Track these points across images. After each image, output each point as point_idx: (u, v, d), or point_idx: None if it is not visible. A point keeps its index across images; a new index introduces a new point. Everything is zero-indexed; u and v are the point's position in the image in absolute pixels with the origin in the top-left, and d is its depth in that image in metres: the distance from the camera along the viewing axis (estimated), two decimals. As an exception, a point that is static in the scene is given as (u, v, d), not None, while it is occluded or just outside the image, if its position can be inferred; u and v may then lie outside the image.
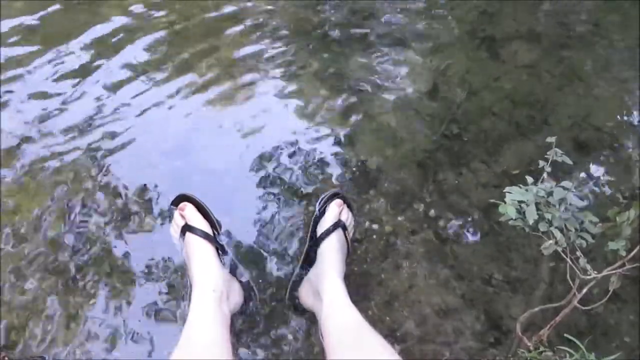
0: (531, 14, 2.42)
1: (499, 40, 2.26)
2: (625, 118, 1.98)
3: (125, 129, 1.85)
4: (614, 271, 1.08)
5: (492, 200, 1.15)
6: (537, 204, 1.07)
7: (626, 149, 1.86)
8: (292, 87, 2.02)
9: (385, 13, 2.37)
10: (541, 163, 1.13)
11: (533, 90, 2.06)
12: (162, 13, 2.30)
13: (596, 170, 1.78)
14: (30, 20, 2.24)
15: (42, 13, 2.26)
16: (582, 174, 1.77)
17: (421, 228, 1.63)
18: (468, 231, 1.63)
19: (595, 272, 1.07)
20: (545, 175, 1.11)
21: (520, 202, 1.06)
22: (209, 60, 2.11)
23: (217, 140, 1.85)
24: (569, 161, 1.13)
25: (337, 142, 1.84)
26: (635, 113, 2.01)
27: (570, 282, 1.14)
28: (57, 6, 2.30)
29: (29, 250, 1.51)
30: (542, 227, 1.05)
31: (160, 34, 2.20)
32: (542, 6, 2.48)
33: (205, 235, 1.36)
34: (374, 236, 1.60)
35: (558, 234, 1.05)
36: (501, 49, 2.22)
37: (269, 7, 2.37)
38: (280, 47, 2.18)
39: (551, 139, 1.14)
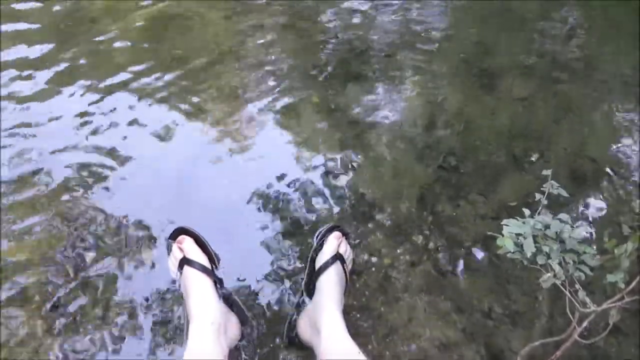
0: (525, 48, 2.47)
1: (494, 74, 2.30)
2: (621, 149, 2.00)
3: (123, 160, 1.87)
4: (613, 304, 1.07)
5: (489, 233, 1.16)
6: (534, 237, 1.07)
7: (622, 180, 1.87)
8: (290, 119, 2.05)
9: (382, 48, 2.42)
10: (538, 196, 1.14)
11: (529, 123, 2.08)
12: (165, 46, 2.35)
13: (593, 201, 1.79)
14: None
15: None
16: (580, 206, 1.78)
17: (420, 260, 1.62)
18: (467, 263, 1.62)
19: (595, 305, 1.06)
20: (542, 207, 1.11)
21: (517, 234, 1.07)
22: (209, 92, 2.14)
23: (216, 172, 1.86)
24: (565, 194, 1.14)
25: (336, 175, 1.85)
26: (631, 144, 2.03)
27: (570, 316, 1.14)
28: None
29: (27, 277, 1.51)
30: (540, 259, 1.06)
31: (161, 62, 2.25)
32: (535, 40, 2.53)
33: (203, 269, 1.35)
34: (373, 269, 1.59)
35: (556, 267, 1.05)
36: (496, 82, 2.26)
37: (269, 41, 2.42)
38: (279, 80, 2.21)
39: (547, 172, 1.15)
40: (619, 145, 2.02)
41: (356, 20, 2.61)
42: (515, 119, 2.09)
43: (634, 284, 1.04)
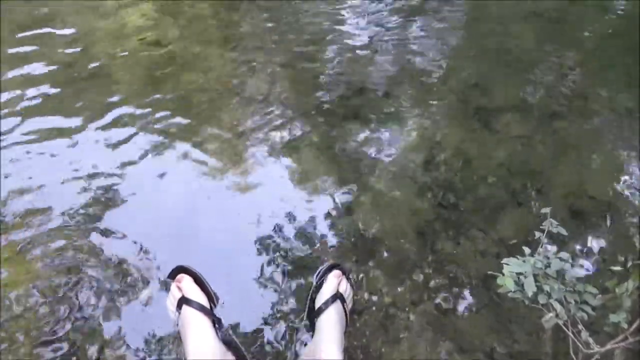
0: (521, 86, 2.51)
1: (492, 111, 2.33)
2: (620, 187, 2.01)
3: (123, 198, 1.87)
4: (617, 345, 1.06)
5: (490, 272, 1.15)
6: (535, 276, 1.07)
7: (622, 218, 1.87)
8: (291, 158, 2.06)
9: (380, 86, 2.46)
10: (537, 234, 1.14)
11: (527, 160, 2.10)
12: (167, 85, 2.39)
13: (593, 239, 1.78)
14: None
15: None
16: (580, 244, 1.77)
17: (421, 299, 1.61)
18: (468, 302, 1.61)
19: (598, 346, 1.05)
20: (542, 246, 1.11)
21: (518, 273, 1.06)
22: (209, 130, 2.16)
23: (216, 210, 1.86)
24: (564, 232, 1.14)
25: (335, 212, 1.86)
26: (630, 182, 2.03)
27: (574, 357, 1.12)
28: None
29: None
30: (542, 299, 1.05)
31: (161, 100, 2.28)
32: (531, 79, 2.57)
33: (201, 308, 1.34)
34: (374, 308, 1.58)
35: (558, 307, 1.04)
36: (494, 120, 2.28)
37: (269, 80, 2.46)
38: (279, 118, 2.24)
39: (546, 210, 1.15)
40: (618, 182, 2.03)
41: (355, 59, 2.66)
42: (514, 156, 2.10)
43: (636, 324, 1.02)
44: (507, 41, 2.85)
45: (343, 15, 3.06)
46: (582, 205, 1.91)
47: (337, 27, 2.92)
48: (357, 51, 2.72)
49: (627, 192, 1.98)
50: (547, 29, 3.02)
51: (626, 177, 2.04)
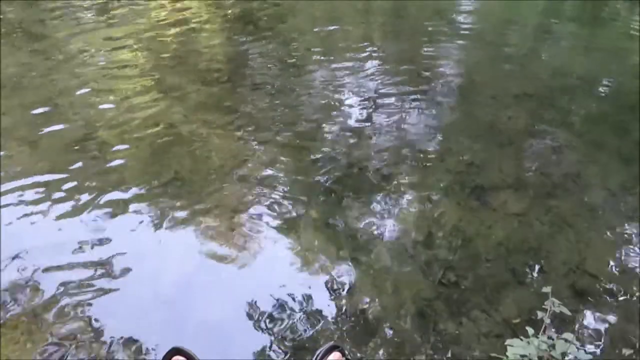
0: (516, 166, 2.57)
1: (488, 190, 2.37)
2: (620, 264, 2.01)
3: (117, 274, 1.85)
4: None
5: (494, 355, 1.13)
6: (539, 358, 1.04)
7: (626, 296, 1.85)
8: (290, 236, 2.07)
9: (379, 165, 2.51)
10: (540, 314, 1.13)
11: (525, 238, 2.11)
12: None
13: (597, 318, 1.75)
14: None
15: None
16: (584, 324, 1.74)
17: (424, 383, 1.55)
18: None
19: None
20: (544, 328, 1.10)
21: (522, 356, 1.04)
22: (210, 208, 2.18)
23: (213, 288, 1.84)
24: (567, 312, 1.13)
25: (335, 291, 1.83)
26: (629, 259, 2.03)
27: None
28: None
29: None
30: (548, 383, 1.02)
31: (164, 180, 2.32)
32: (525, 159, 2.64)
33: (197, 392, 1.29)
34: (375, 392, 1.52)
35: (565, 391, 1.01)
36: (491, 198, 2.32)
37: (270, 160, 2.51)
38: (279, 196, 2.27)
39: (547, 289, 1.15)
40: (618, 259, 2.03)
41: (353, 137, 2.73)
42: (511, 234, 2.12)
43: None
44: (500, 121, 2.96)
45: (341, 94, 3.18)
46: (584, 283, 1.90)
47: (336, 106, 3.03)
48: (356, 130, 2.80)
49: (627, 269, 1.97)
50: (538, 109, 3.14)
51: (625, 253, 2.05)
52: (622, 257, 2.04)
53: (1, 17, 3.85)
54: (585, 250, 2.06)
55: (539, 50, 4.24)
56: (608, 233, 2.16)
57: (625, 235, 2.16)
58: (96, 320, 1.68)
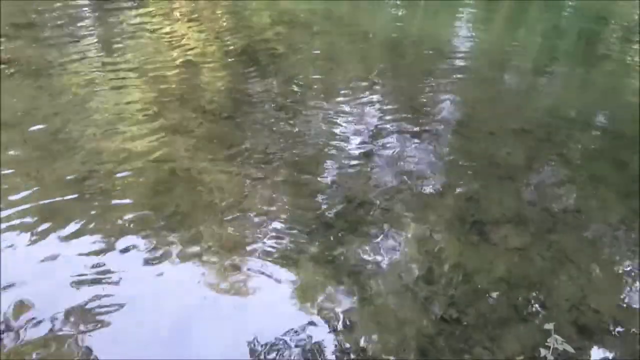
0: (515, 200, 2.57)
1: (488, 225, 2.37)
2: (622, 299, 1.99)
3: (114, 309, 1.83)
4: None
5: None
6: (544, 397, 1.02)
7: (629, 332, 1.83)
8: (290, 271, 2.06)
9: (379, 200, 2.52)
10: (543, 351, 1.11)
11: (527, 273, 2.09)
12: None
13: (601, 356, 1.72)
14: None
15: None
16: (589, 360, 1.72)
17: (427, 423, 1.52)
18: None
19: None
20: (548, 364, 1.08)
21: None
22: (209, 245, 2.17)
23: (212, 328, 1.82)
24: (570, 349, 1.12)
25: (335, 329, 1.81)
26: (633, 294, 2.02)
27: None
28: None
29: None
30: (554, 423, 1.00)
31: (164, 217, 2.31)
32: (525, 193, 2.65)
33: None
34: None
35: None
36: (491, 233, 2.31)
37: (270, 195, 2.52)
38: (279, 232, 2.26)
39: (549, 326, 1.14)
40: (621, 294, 2.01)
41: (353, 172, 2.75)
42: (512, 269, 2.10)
43: None
44: (498, 156, 2.98)
45: (342, 130, 3.21)
46: (587, 319, 1.87)
47: (336, 141, 3.05)
48: (356, 165, 2.82)
49: (630, 305, 1.95)
50: (536, 145, 3.17)
51: (628, 288, 2.03)
52: (625, 292, 2.02)
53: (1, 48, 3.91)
54: (588, 285, 2.04)
55: (536, 87, 4.31)
56: (610, 268, 2.15)
57: (627, 270, 2.15)
58: (93, 355, 1.66)
